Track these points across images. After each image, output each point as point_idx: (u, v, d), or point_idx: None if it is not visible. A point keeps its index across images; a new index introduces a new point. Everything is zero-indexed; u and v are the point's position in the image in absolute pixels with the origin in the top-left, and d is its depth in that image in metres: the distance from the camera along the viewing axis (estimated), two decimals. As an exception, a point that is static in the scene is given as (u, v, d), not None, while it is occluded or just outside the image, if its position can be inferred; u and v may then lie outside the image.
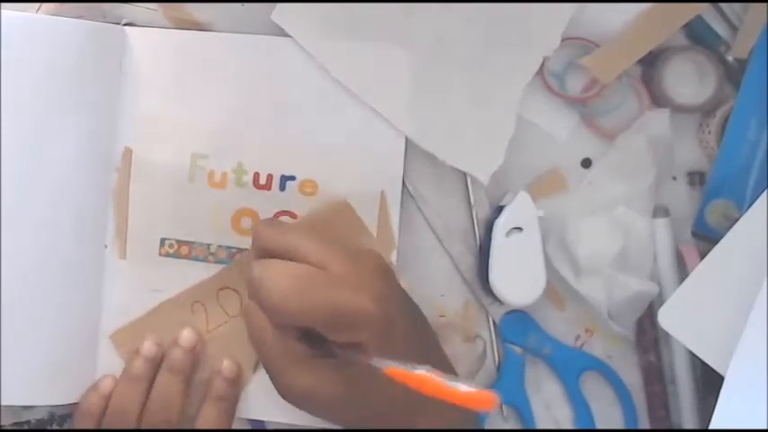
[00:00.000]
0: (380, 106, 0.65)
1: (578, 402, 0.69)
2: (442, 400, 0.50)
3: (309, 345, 0.58)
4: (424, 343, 0.62)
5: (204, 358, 0.66)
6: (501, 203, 0.67)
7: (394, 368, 0.51)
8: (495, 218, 0.66)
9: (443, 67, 0.66)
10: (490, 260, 0.66)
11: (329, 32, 0.65)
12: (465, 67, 0.66)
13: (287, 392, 0.58)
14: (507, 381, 0.69)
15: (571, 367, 0.69)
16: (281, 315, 0.56)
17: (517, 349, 0.69)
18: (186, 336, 0.65)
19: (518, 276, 0.66)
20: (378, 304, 0.56)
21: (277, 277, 0.56)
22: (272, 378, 0.59)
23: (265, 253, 0.59)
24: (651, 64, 0.68)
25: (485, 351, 0.69)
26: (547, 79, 0.68)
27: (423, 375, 0.50)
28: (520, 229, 0.66)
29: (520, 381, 0.69)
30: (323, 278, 0.56)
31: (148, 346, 0.64)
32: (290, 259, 0.58)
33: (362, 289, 0.56)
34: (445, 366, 0.63)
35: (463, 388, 0.49)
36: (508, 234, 0.66)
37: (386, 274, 0.59)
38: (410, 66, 0.65)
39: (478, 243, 0.68)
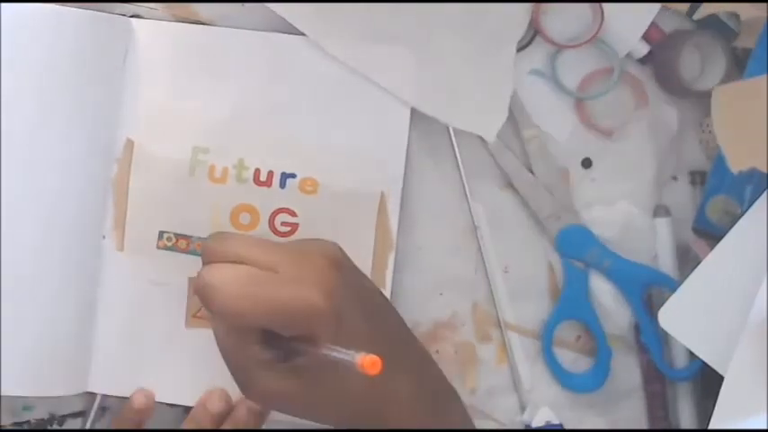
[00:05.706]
0: (380, 78, 0.65)
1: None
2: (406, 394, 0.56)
3: (272, 346, 0.57)
4: (384, 330, 0.60)
5: None
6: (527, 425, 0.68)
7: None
8: None
9: (438, 34, 0.66)
10: None
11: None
12: (458, 30, 0.66)
13: (251, 395, 0.58)
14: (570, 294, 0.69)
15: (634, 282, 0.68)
16: (229, 317, 0.56)
17: (578, 264, 0.68)
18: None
19: None
20: (325, 297, 0.55)
21: (222, 280, 0.55)
22: (236, 382, 0.58)
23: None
24: (660, 49, 0.67)
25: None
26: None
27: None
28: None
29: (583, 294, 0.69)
30: (267, 277, 0.56)
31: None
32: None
33: (309, 284, 0.55)
34: (424, 354, 0.62)
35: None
36: None
37: (337, 265, 0.58)
38: (409, 36, 0.65)
39: (479, 242, 0.68)
